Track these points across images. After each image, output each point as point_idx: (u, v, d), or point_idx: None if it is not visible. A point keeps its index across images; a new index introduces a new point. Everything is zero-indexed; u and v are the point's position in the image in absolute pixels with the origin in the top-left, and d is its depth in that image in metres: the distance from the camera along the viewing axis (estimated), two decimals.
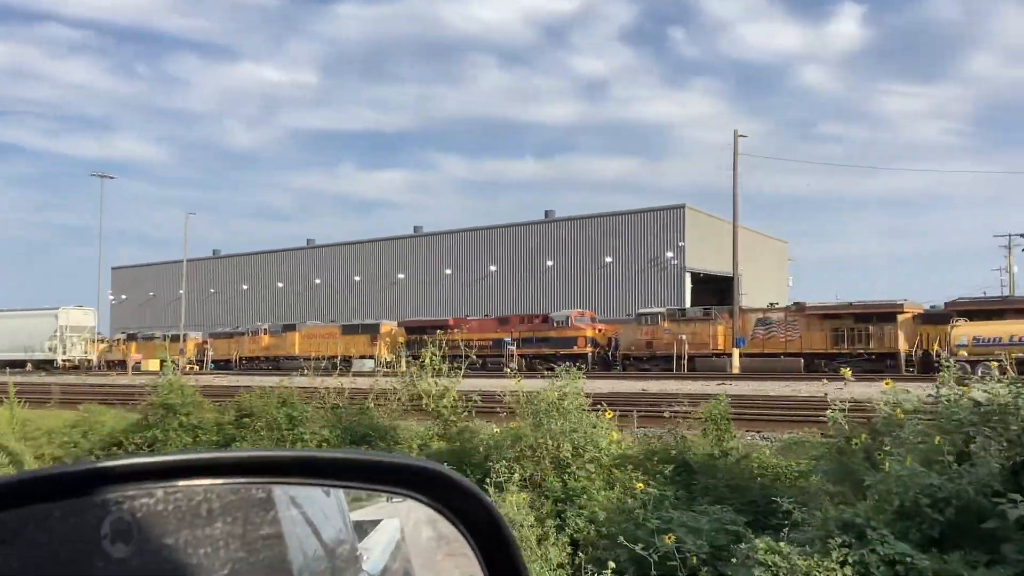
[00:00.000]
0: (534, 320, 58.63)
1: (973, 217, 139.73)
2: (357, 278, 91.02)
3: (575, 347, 54.88)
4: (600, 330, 56.50)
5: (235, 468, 1.32)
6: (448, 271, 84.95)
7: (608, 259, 75.68)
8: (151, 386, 13.67)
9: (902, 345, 45.31)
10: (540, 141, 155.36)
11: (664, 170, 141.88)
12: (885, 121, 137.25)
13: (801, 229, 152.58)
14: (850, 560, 5.96)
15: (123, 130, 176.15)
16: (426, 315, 72.68)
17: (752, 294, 64.04)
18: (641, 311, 56.84)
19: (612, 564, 6.39)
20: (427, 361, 11.49)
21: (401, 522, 1.91)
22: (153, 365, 68.88)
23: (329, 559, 1.62)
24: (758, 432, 13.83)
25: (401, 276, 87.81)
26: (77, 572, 1.14)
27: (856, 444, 7.43)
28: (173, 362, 14.68)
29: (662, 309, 56.07)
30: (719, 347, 51.01)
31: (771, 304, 55.66)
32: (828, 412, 7.91)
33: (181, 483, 1.24)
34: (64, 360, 68.13)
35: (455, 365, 11.92)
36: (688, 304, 64.80)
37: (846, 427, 7.66)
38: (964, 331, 42.32)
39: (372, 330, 64.16)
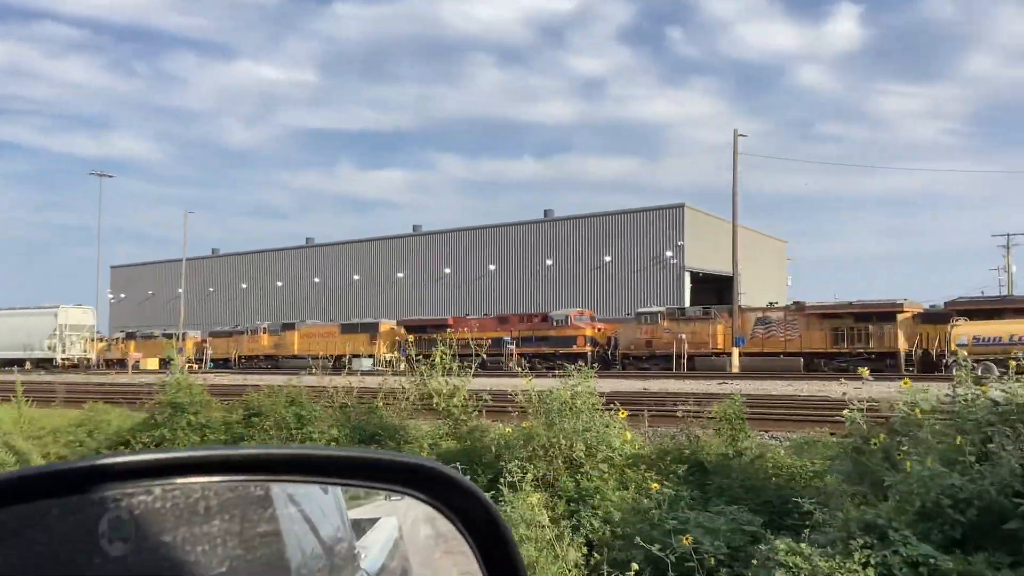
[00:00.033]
0: (533, 319, 58.61)
1: (971, 217, 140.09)
2: (356, 277, 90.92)
3: (574, 346, 54.90)
4: (599, 329, 56.50)
5: (233, 465, 1.32)
6: (447, 270, 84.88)
7: (607, 258, 75.63)
8: (159, 385, 13.61)
9: (902, 344, 45.34)
10: (539, 141, 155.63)
11: (662, 170, 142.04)
12: (883, 121, 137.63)
13: (800, 228, 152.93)
14: (872, 562, 5.91)
15: (121, 128, 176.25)
16: (425, 314, 72.63)
17: (751, 293, 64.07)
18: (640, 310, 56.86)
19: (635, 566, 6.32)
20: (437, 360, 11.45)
21: (399, 520, 1.89)
22: (152, 364, 68.93)
23: (327, 557, 1.62)
24: (766, 432, 13.78)
25: (400, 275, 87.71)
26: (75, 570, 1.14)
27: (875, 444, 7.37)
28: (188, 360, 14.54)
29: (662, 308, 56.10)
30: (719, 346, 51.03)
31: (770, 303, 55.66)
32: (845, 412, 7.85)
33: (179, 480, 1.24)
34: (63, 359, 68.05)
35: (465, 364, 11.87)
36: (687, 303, 64.82)
37: (864, 427, 7.60)
38: (964, 330, 42.32)
39: (371, 329, 64.12)
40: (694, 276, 73.45)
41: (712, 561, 6.85)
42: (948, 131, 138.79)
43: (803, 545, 6.12)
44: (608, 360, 52.97)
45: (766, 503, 8.24)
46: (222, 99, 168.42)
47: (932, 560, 5.88)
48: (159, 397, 13.09)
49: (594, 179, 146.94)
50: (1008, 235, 78.74)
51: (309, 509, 1.53)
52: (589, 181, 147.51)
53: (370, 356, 59.29)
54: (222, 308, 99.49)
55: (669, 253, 72.37)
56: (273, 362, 66.23)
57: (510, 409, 10.86)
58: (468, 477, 8.34)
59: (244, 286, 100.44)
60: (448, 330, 48.90)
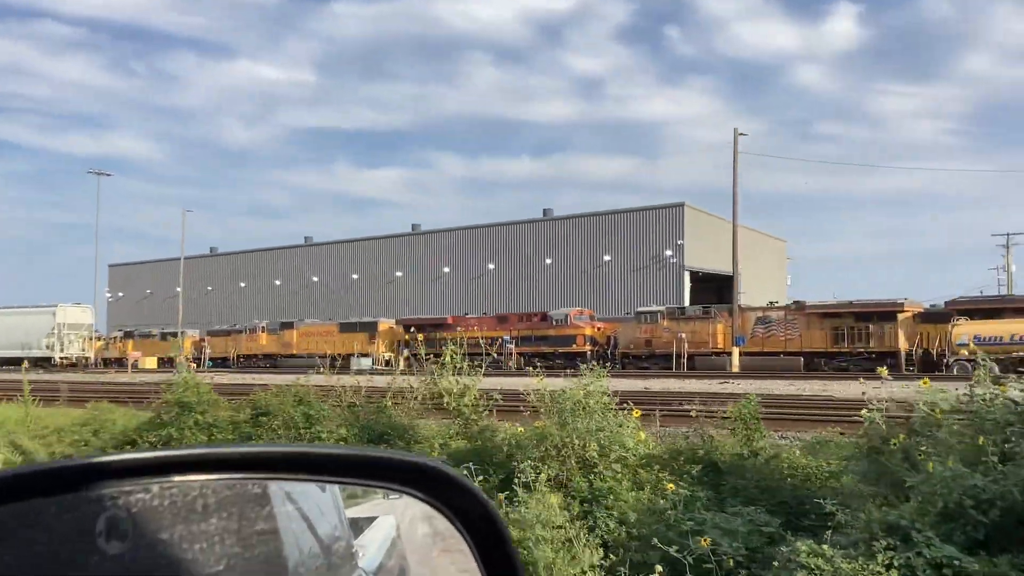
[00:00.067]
0: (533, 318, 58.58)
1: (970, 217, 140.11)
2: (355, 276, 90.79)
3: (574, 345, 54.89)
4: (599, 328, 56.47)
5: (230, 463, 1.33)
6: (446, 269, 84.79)
7: (607, 257, 75.58)
8: (166, 384, 13.53)
9: (902, 344, 45.34)
10: (537, 140, 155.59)
11: (660, 169, 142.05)
12: (882, 121, 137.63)
13: (799, 228, 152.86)
14: (896, 563, 5.85)
15: (120, 128, 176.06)
16: (424, 313, 72.59)
17: (751, 293, 64.04)
18: (640, 309, 56.82)
19: (659, 568, 6.25)
20: (447, 359, 11.38)
21: (397, 519, 1.88)
22: (151, 363, 68.84)
23: (325, 555, 1.62)
24: (775, 431, 13.73)
25: (399, 274, 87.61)
26: (72, 569, 1.13)
27: (895, 444, 7.31)
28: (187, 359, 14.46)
29: (661, 308, 56.07)
30: (718, 346, 51.02)
31: (770, 303, 55.66)
32: (863, 412, 7.79)
33: (176, 479, 1.24)
34: (62, 358, 67.89)
35: (475, 363, 11.81)
36: (687, 303, 64.78)
37: (883, 427, 7.54)
38: (965, 330, 42.32)
39: (370, 328, 64.05)
40: (693, 275, 73.42)
41: (731, 563, 6.79)
42: (947, 131, 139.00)
43: (825, 547, 6.06)
44: (608, 359, 52.89)
45: (782, 504, 8.17)
46: (221, 99, 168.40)
47: (956, 562, 5.82)
48: (166, 396, 13.00)
49: (592, 178, 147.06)
50: (1008, 235, 78.89)
51: (307, 507, 1.53)
52: (587, 180, 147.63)
53: (369, 355, 59.17)
54: (220, 307, 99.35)
55: (669, 252, 72.32)
56: (272, 361, 66.16)
57: (522, 408, 10.78)
58: (480, 477, 8.33)
59: (243, 285, 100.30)
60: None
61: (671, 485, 8.04)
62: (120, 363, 67.95)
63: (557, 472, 8.61)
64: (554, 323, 56.51)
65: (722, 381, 33.95)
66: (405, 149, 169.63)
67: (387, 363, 53.01)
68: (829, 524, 7.64)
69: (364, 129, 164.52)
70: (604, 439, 8.73)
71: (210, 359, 68.35)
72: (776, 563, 6.22)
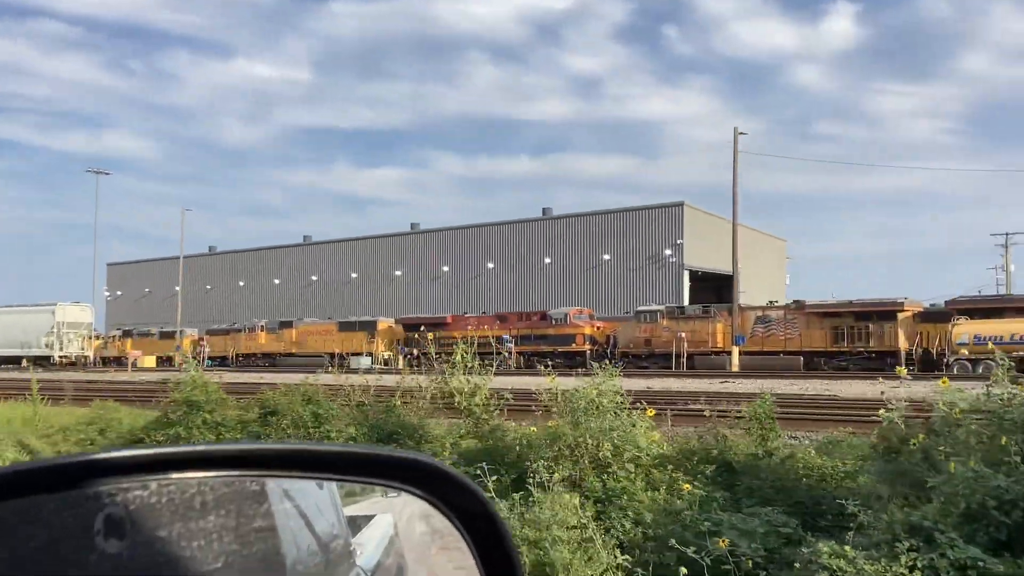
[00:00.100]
0: (532, 317, 58.51)
1: (968, 216, 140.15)
2: (354, 275, 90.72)
3: (573, 344, 54.82)
4: (598, 328, 56.39)
5: (228, 460, 1.32)
6: (445, 268, 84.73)
7: (606, 257, 75.54)
8: (174, 382, 13.47)
9: (902, 343, 45.33)
10: (535, 139, 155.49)
11: (659, 168, 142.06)
12: (880, 120, 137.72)
13: (798, 227, 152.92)
14: (919, 565, 5.80)
15: (117, 127, 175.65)
16: (423, 312, 72.44)
17: (750, 292, 63.96)
18: (640, 309, 56.77)
19: (684, 570, 6.20)
20: (458, 358, 11.33)
21: (395, 517, 1.89)
22: (149, 362, 68.74)
23: (323, 553, 1.62)
24: (786, 432, 13.68)
25: (398, 273, 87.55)
26: (71, 567, 1.13)
27: (914, 444, 7.26)
28: (192, 358, 14.41)
29: (661, 307, 56.04)
30: (718, 345, 50.98)
31: (770, 302, 55.63)
32: (881, 411, 7.74)
33: (174, 476, 1.24)
34: (61, 356, 67.71)
35: (485, 362, 11.76)
36: (686, 302, 64.77)
37: (902, 427, 7.49)
38: (965, 329, 42.33)
39: (369, 327, 63.97)
40: (693, 275, 73.41)
41: (749, 564, 6.74)
42: (945, 130, 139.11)
43: (847, 548, 6.01)
44: (607, 359, 52.79)
45: (797, 504, 8.13)
46: (218, 98, 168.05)
47: (981, 563, 5.77)
48: (175, 395, 12.94)
49: (590, 178, 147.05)
50: (1007, 234, 78.98)
51: (304, 505, 1.53)
52: (585, 180, 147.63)
53: (368, 354, 59.09)
54: (219, 306, 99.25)
55: (668, 251, 72.29)
56: (271, 360, 66.08)
57: (534, 408, 10.73)
58: (494, 478, 8.27)
59: (241, 284, 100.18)
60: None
61: (687, 485, 7.99)
62: (119, 362, 67.83)
63: (570, 472, 8.56)
64: (553, 322, 56.44)
65: (723, 380, 33.91)
66: (403, 148, 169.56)
67: (386, 362, 52.97)
68: (845, 525, 7.62)
69: (362, 128, 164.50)
70: (617, 439, 8.67)
71: (209, 358, 68.29)
72: (797, 564, 6.16)
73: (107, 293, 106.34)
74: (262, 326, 70.48)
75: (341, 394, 13.25)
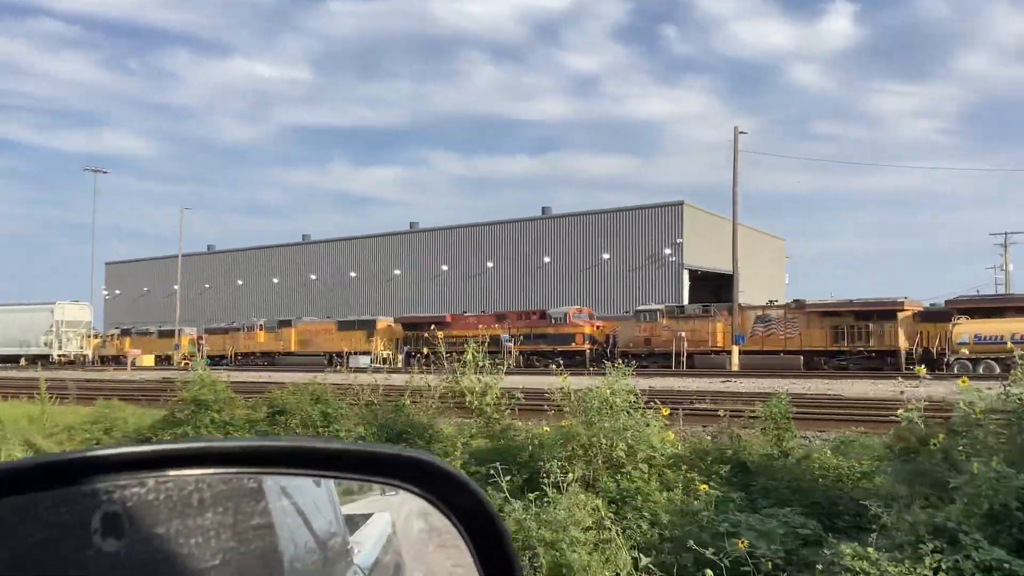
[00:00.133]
0: (531, 316, 58.48)
1: (967, 216, 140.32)
2: (353, 274, 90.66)
3: (573, 344, 54.81)
4: (598, 327, 56.37)
5: (226, 458, 1.32)
6: (445, 267, 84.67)
7: (606, 256, 75.50)
8: (182, 381, 13.42)
9: (902, 343, 45.37)
10: (533, 138, 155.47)
11: (657, 168, 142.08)
12: (879, 120, 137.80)
13: (798, 227, 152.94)
14: (944, 567, 5.74)
15: (116, 125, 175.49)
16: (422, 311, 72.42)
17: (749, 291, 63.94)
18: (640, 308, 56.78)
19: (710, 572, 6.14)
20: (469, 357, 11.28)
21: (392, 516, 1.89)
22: (148, 360, 68.63)
23: (321, 551, 1.62)
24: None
25: (397, 272, 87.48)
26: (69, 566, 1.12)
27: (935, 444, 7.20)
28: (198, 356, 14.32)
29: (661, 306, 56.04)
30: (718, 344, 51.00)
31: (770, 301, 55.63)
32: (900, 411, 7.68)
33: (172, 473, 1.24)
34: (60, 355, 67.61)
35: (496, 362, 11.70)
36: (686, 301, 64.75)
37: (922, 427, 7.43)
38: (966, 329, 42.34)
39: (368, 326, 63.97)
40: (692, 274, 73.39)
41: (769, 565, 6.67)
42: (944, 130, 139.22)
43: (870, 549, 5.94)
44: (607, 359, 52.73)
45: (814, 505, 8.06)
46: (217, 97, 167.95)
47: (1006, 565, 5.71)
48: (182, 393, 12.87)
49: (589, 177, 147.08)
50: (1006, 234, 79.08)
51: (302, 502, 1.54)
52: (584, 179, 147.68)
53: (367, 353, 59.04)
54: (218, 305, 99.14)
55: (668, 251, 72.25)
56: (269, 359, 66.08)
57: (546, 408, 10.68)
58: (508, 478, 8.21)
59: (240, 283, 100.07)
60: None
61: (704, 486, 7.92)
62: (118, 361, 67.77)
63: (583, 472, 8.49)
64: (553, 321, 56.42)
65: (724, 380, 33.89)
66: (402, 148, 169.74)
67: (385, 361, 52.91)
68: (864, 526, 7.56)
69: (361, 127, 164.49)
70: (631, 438, 8.61)
71: (208, 357, 68.21)
72: (820, 566, 6.10)
73: (105, 292, 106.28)
74: (261, 325, 70.46)
75: (349, 393, 13.21)
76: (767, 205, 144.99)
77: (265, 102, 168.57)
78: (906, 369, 42.44)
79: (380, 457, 1.49)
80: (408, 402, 12.09)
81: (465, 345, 11.65)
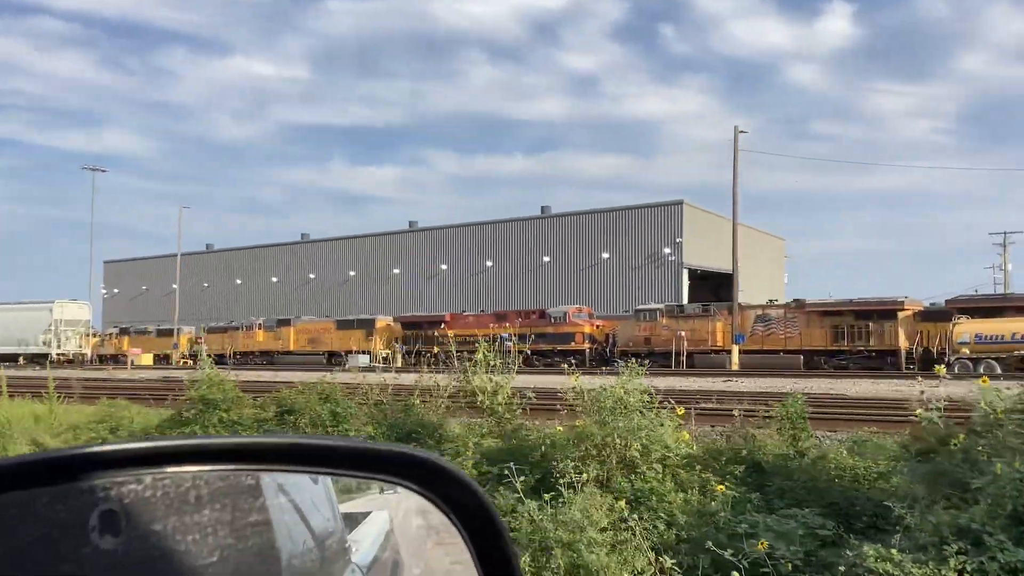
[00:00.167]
0: (531, 316, 58.40)
1: (966, 216, 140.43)
2: (352, 273, 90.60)
3: (572, 343, 54.77)
4: (598, 326, 56.35)
5: (223, 454, 1.32)
6: (444, 266, 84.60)
7: (605, 255, 75.46)
8: (190, 380, 13.37)
9: (902, 342, 45.37)
10: (531, 138, 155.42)
11: (655, 167, 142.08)
12: (877, 120, 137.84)
13: (796, 226, 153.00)
14: (968, 568, 5.69)
15: (114, 124, 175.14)
16: (421, 310, 72.37)
17: (748, 291, 63.92)
18: (639, 307, 56.74)
19: (736, 574, 6.08)
20: (480, 357, 11.23)
21: (391, 514, 1.90)
22: (146, 359, 68.49)
23: (318, 548, 1.62)
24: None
25: (396, 271, 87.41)
26: (65, 562, 1.12)
27: (956, 444, 7.15)
28: (208, 356, 14.27)
29: (660, 305, 55.99)
30: (718, 344, 50.99)
31: (770, 301, 55.62)
32: (919, 411, 7.63)
33: (169, 469, 1.23)
34: (58, 354, 67.42)
35: (507, 361, 11.65)
36: (685, 301, 64.74)
37: (942, 427, 7.38)
38: (966, 328, 42.36)
39: (367, 325, 63.89)
40: (692, 273, 73.37)
41: (789, 567, 6.61)
42: (942, 130, 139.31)
43: (893, 551, 5.89)
44: (607, 357, 52.69)
45: (831, 505, 8.00)
46: (215, 95, 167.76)
47: None
48: (190, 393, 12.82)
49: (587, 176, 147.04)
50: (1005, 233, 79.17)
51: (299, 499, 1.54)
52: (582, 178, 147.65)
53: (366, 352, 59.00)
54: (216, 304, 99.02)
55: (667, 250, 72.21)
56: (268, 358, 66.00)
57: (559, 407, 10.63)
58: (522, 478, 8.15)
59: (239, 282, 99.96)
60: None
61: (721, 487, 7.87)
62: (116, 360, 67.63)
63: (597, 472, 8.43)
64: (552, 321, 56.37)
65: (726, 379, 33.82)
66: (401, 147, 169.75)
67: (384, 360, 52.84)
68: (882, 527, 7.52)
69: (359, 126, 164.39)
70: (646, 438, 8.56)
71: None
72: (842, 567, 6.04)
73: (104, 291, 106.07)
74: (260, 324, 70.36)
75: (358, 393, 13.16)
76: (766, 205, 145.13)
77: (264, 101, 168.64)
78: (906, 368, 42.57)
79: (379, 454, 1.48)
80: (418, 402, 12.04)
81: (476, 344, 11.61)
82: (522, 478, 7.93)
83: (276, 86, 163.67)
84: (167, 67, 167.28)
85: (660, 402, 9.19)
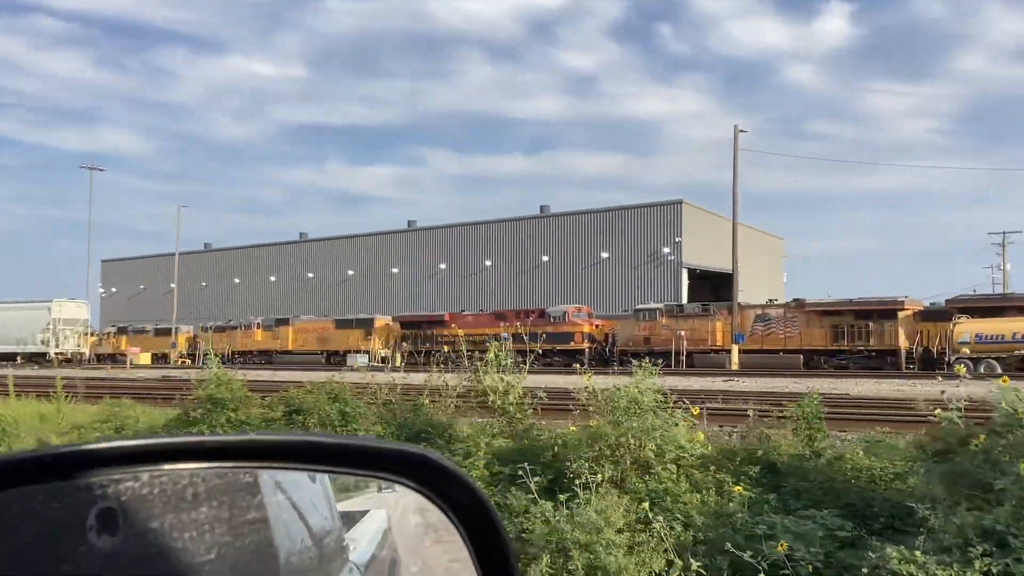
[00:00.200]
0: (530, 315, 58.27)
1: (965, 215, 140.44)
2: (351, 272, 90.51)
3: (572, 343, 54.64)
4: (597, 326, 56.28)
5: (220, 451, 1.32)
6: (443, 266, 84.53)
7: (604, 255, 75.42)
8: (197, 379, 13.31)
9: (902, 342, 45.34)
10: (530, 137, 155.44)
11: (654, 167, 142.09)
12: (875, 120, 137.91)
13: (795, 226, 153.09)
14: (993, 571, 5.63)
15: (112, 123, 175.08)
16: (420, 310, 72.33)
17: (748, 290, 63.86)
18: (639, 307, 56.69)
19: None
20: (491, 356, 11.17)
21: (389, 512, 1.88)
22: (144, 359, 68.39)
23: (316, 546, 1.61)
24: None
25: (395, 270, 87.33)
26: (61, 560, 1.12)
27: (976, 445, 7.09)
28: (211, 355, 14.19)
29: (660, 305, 55.93)
30: (717, 343, 50.94)
31: (769, 300, 55.58)
32: (938, 411, 7.57)
33: (166, 467, 1.23)
34: (57, 353, 67.25)
35: (519, 360, 11.61)
36: (685, 300, 64.71)
37: (961, 427, 7.32)
38: (966, 328, 42.33)
39: (366, 324, 63.82)
40: (691, 273, 73.35)
41: (809, 568, 6.55)
42: (941, 130, 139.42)
43: (917, 553, 5.83)
44: (606, 357, 52.64)
45: (848, 506, 7.94)
46: (213, 94, 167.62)
47: None
48: (197, 392, 12.75)
49: (585, 176, 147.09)
50: (1004, 233, 79.20)
51: (297, 497, 1.53)
52: (581, 178, 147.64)
53: (365, 352, 58.93)
54: (215, 303, 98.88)
55: (667, 249, 72.19)
56: (267, 357, 65.90)
57: (570, 407, 10.58)
58: (537, 478, 8.10)
59: (237, 281, 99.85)
60: (444, 325, 48.76)
61: (738, 488, 7.80)
62: (114, 359, 67.53)
63: (611, 473, 8.37)
64: (552, 320, 56.23)
65: (726, 379, 33.76)
66: (399, 146, 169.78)
67: (383, 359, 52.77)
68: (900, 527, 7.46)
69: (357, 125, 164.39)
70: (660, 438, 8.50)
71: (204, 355, 67.94)
72: (865, 570, 5.98)
73: (102, 290, 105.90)
74: (258, 323, 70.27)
75: (367, 392, 13.10)
76: (766, 205, 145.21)
77: (262, 100, 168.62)
78: (906, 368, 42.56)
79: (378, 452, 1.47)
80: (427, 401, 11.98)
81: (487, 343, 11.56)
82: (535, 479, 7.87)
83: (274, 85, 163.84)
84: (166, 67, 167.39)
85: (675, 402, 9.13)
